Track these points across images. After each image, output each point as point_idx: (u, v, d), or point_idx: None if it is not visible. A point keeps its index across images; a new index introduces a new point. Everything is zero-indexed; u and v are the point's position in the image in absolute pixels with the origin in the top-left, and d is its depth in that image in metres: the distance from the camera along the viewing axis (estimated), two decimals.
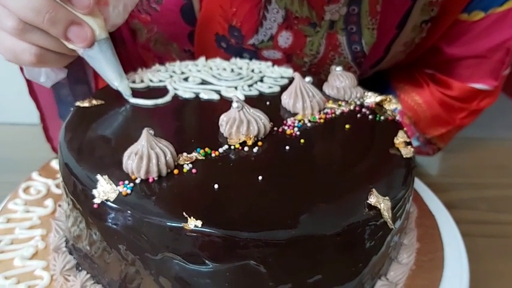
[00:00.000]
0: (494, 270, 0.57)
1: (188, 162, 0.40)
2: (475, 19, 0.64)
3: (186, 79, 0.56)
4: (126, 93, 0.51)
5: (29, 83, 0.65)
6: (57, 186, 0.58)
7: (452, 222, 0.55)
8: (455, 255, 0.50)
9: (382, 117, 0.51)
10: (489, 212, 0.69)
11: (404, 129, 0.49)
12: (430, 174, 0.81)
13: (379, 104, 0.53)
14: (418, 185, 0.63)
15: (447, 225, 0.55)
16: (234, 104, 0.44)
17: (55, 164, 0.62)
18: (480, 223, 0.66)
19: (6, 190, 0.58)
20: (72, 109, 0.50)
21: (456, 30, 0.66)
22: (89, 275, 0.44)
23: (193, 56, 0.69)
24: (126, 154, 0.39)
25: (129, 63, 0.76)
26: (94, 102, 0.50)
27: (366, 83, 0.73)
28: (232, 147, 0.43)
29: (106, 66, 0.48)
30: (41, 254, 0.47)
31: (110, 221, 0.37)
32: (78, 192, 0.40)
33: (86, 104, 0.50)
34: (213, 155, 0.42)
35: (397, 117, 0.52)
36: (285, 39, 0.62)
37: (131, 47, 0.73)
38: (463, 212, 0.68)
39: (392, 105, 0.53)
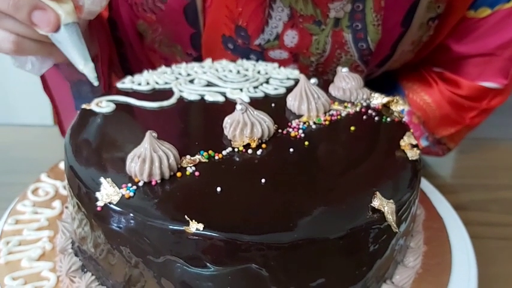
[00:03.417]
0: (506, 273, 0.56)
1: (191, 165, 0.40)
2: (482, 16, 0.63)
3: (191, 81, 0.56)
4: (91, 76, 0.50)
5: (43, 79, 0.66)
6: (65, 187, 0.58)
7: (461, 224, 0.55)
8: (463, 259, 0.49)
9: (388, 119, 0.50)
10: (501, 214, 0.68)
11: (411, 130, 0.48)
12: (441, 175, 0.79)
13: (386, 105, 0.53)
14: (427, 186, 0.62)
15: (456, 228, 0.54)
16: (238, 107, 0.44)
17: (63, 166, 0.62)
18: (492, 225, 0.65)
19: (18, 191, 0.58)
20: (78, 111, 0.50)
21: (464, 27, 0.65)
22: (93, 277, 0.44)
23: (196, 60, 0.69)
24: (129, 157, 0.39)
25: (137, 64, 0.77)
26: (100, 104, 0.50)
27: (375, 82, 0.73)
28: (236, 149, 0.43)
29: (72, 49, 0.49)
30: (48, 255, 0.48)
31: (113, 223, 0.38)
32: (82, 194, 0.40)
33: (91, 106, 0.50)
34: (216, 157, 0.42)
35: (404, 119, 0.51)
36: (291, 38, 0.62)
37: (138, 49, 0.73)
38: (475, 214, 0.66)
39: (399, 107, 0.52)
